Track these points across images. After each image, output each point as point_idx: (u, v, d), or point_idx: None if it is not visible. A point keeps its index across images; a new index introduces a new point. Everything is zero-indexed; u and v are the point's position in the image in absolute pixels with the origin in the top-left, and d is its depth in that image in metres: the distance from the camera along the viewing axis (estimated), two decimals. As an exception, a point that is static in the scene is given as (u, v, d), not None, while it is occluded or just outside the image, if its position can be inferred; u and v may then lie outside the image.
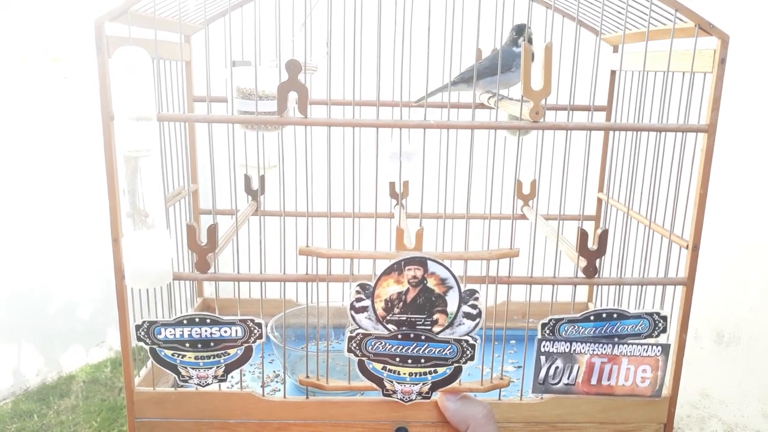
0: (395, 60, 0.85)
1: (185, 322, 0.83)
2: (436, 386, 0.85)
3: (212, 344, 0.84)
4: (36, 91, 2.86)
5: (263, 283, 0.86)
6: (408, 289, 0.80)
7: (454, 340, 0.82)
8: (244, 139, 0.95)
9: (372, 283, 0.80)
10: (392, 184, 1.18)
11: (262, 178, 1.16)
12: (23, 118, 2.83)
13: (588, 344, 0.84)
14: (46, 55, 2.85)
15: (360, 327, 0.82)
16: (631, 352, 0.84)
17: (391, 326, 0.82)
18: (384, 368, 0.84)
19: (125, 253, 0.79)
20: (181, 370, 0.85)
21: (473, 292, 0.81)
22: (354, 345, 0.82)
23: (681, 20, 0.79)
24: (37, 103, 2.86)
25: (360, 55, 0.81)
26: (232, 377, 0.87)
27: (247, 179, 1.16)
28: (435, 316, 0.81)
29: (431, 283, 0.80)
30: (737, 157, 2.08)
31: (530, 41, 0.96)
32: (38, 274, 2.98)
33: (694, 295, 0.86)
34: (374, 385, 0.85)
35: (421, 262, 0.79)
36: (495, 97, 1.02)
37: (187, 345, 0.84)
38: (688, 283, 0.85)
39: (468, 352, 0.83)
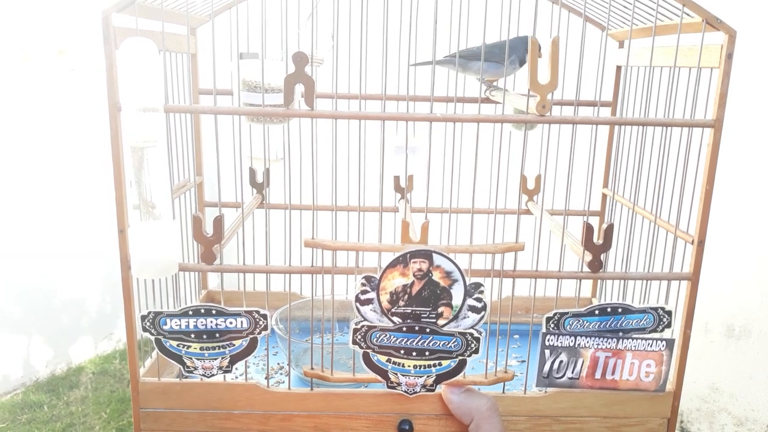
0: (401, 53, 0.85)
1: (191, 313, 0.83)
2: (440, 379, 0.85)
3: (217, 335, 0.84)
4: (44, 84, 2.87)
5: (268, 275, 0.87)
6: (413, 282, 0.81)
7: (459, 333, 0.82)
8: (249, 132, 0.96)
9: (377, 276, 0.80)
10: (397, 178, 1.18)
11: (267, 171, 1.16)
12: (31, 112, 2.84)
13: (592, 338, 0.84)
14: (53, 48, 2.85)
15: (365, 319, 0.82)
16: (635, 346, 0.84)
17: (396, 318, 0.82)
18: (388, 360, 0.84)
19: (132, 243, 0.80)
20: (186, 360, 0.86)
21: (478, 285, 0.81)
22: (359, 337, 0.83)
23: (688, 15, 0.78)
24: (45, 96, 2.87)
25: (366, 48, 0.81)
26: (236, 368, 0.87)
27: (252, 172, 1.17)
28: (440, 309, 0.82)
29: (436, 276, 0.80)
30: (744, 153, 2.07)
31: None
32: (47, 267, 2.99)
33: (704, 289, 0.86)
34: (379, 378, 0.85)
35: (427, 255, 0.80)
36: (492, 88, 1.02)
37: (193, 336, 0.84)
38: (693, 278, 0.85)
39: (472, 345, 0.83)
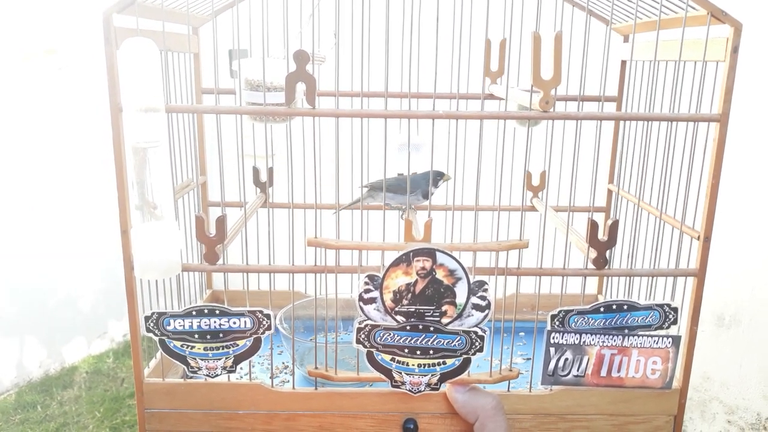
0: (403, 50, 0.84)
1: (194, 313, 0.83)
2: (444, 377, 0.84)
3: (221, 335, 0.84)
4: (32, 84, 2.84)
5: (272, 274, 0.86)
6: (417, 281, 0.80)
7: (463, 331, 0.82)
8: (252, 131, 0.95)
9: (380, 275, 0.80)
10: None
11: (270, 170, 1.15)
12: (21, 112, 2.81)
13: (598, 336, 0.84)
14: (41, 48, 2.83)
15: (369, 318, 0.82)
16: (641, 343, 0.84)
17: (399, 317, 0.82)
18: (393, 359, 0.84)
19: (134, 244, 0.79)
20: (190, 361, 0.85)
21: (482, 283, 0.81)
22: (363, 336, 0.82)
23: (693, 8, 0.78)
24: (34, 95, 2.85)
25: (368, 46, 0.81)
26: (240, 368, 0.87)
27: (256, 171, 1.16)
28: (444, 308, 0.81)
29: (440, 274, 0.80)
30: (750, 147, 2.06)
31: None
32: (39, 267, 2.98)
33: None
34: (383, 377, 0.84)
35: (430, 253, 0.79)
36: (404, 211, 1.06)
37: (196, 336, 0.84)
38: (699, 275, 0.85)
39: (477, 344, 0.83)
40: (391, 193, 1.07)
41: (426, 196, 1.08)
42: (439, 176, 1.09)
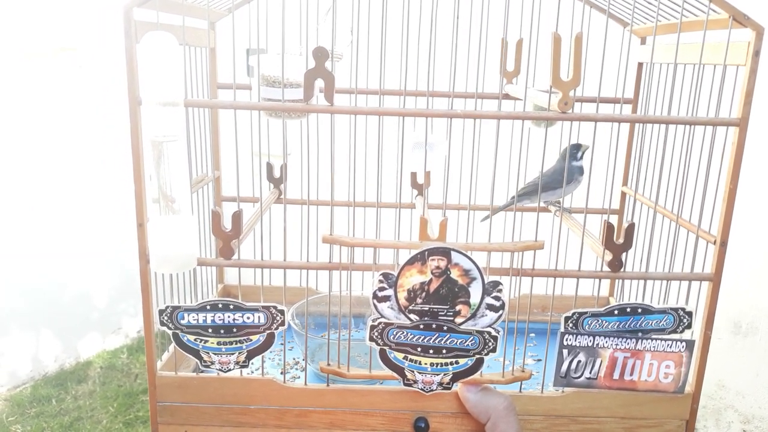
0: (420, 48, 0.84)
1: (208, 307, 0.83)
2: (457, 377, 0.84)
3: (235, 330, 0.84)
4: (49, 82, 2.86)
5: (285, 270, 0.86)
6: (431, 280, 0.80)
7: (477, 331, 0.82)
8: (267, 128, 0.95)
9: (395, 273, 0.80)
10: (414, 175, 1.17)
11: (284, 167, 1.16)
12: (28, 112, 2.83)
13: (611, 338, 0.84)
14: (56, 46, 2.84)
15: (382, 316, 0.82)
16: (654, 347, 0.84)
17: (413, 316, 0.81)
18: (405, 358, 0.83)
19: (151, 237, 0.79)
20: (203, 355, 0.85)
21: (497, 283, 0.80)
22: (376, 334, 0.82)
23: (714, 11, 0.77)
24: (50, 94, 2.86)
25: (385, 43, 0.81)
26: (252, 363, 0.87)
27: (270, 167, 1.16)
28: (457, 307, 0.81)
29: (454, 273, 0.80)
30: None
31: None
32: (54, 263, 3.00)
33: (714, 287, 0.85)
34: (395, 375, 0.84)
35: (445, 252, 0.79)
36: (560, 209, 1.06)
37: (210, 330, 0.84)
38: (715, 279, 0.84)
39: (490, 344, 0.82)
40: (546, 192, 1.07)
41: (581, 173, 1.09)
42: (575, 149, 1.08)
